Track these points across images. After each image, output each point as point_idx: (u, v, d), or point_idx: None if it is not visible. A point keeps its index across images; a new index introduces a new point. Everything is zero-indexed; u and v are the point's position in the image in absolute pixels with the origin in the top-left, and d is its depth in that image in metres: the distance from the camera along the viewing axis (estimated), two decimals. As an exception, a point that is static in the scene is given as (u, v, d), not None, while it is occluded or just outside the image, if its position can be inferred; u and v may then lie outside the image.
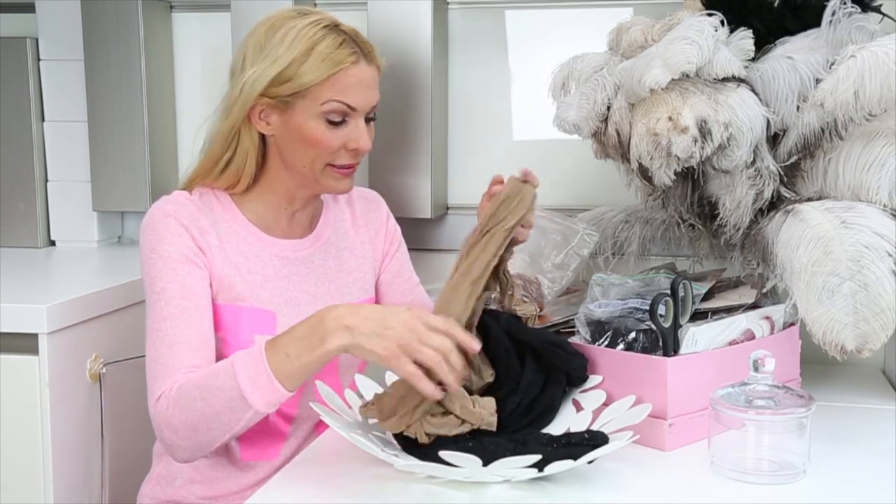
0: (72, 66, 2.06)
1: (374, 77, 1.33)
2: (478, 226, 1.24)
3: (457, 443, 1.14)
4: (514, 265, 1.51)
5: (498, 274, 1.26)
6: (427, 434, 1.14)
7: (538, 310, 1.45)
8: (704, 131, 1.31)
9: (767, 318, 1.35)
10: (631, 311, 1.33)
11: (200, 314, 1.28)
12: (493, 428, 1.17)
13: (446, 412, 1.15)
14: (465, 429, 1.15)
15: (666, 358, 1.22)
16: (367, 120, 1.34)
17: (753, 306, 1.38)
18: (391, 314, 1.13)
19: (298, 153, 1.32)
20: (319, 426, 1.40)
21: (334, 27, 1.30)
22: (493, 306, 1.39)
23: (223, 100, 1.34)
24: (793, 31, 1.42)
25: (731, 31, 1.38)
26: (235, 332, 1.32)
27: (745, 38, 1.38)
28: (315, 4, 1.96)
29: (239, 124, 1.32)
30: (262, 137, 1.34)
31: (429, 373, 1.10)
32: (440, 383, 1.11)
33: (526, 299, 1.47)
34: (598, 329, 1.32)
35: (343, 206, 1.50)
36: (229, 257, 1.33)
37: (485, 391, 1.25)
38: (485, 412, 1.16)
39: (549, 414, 1.25)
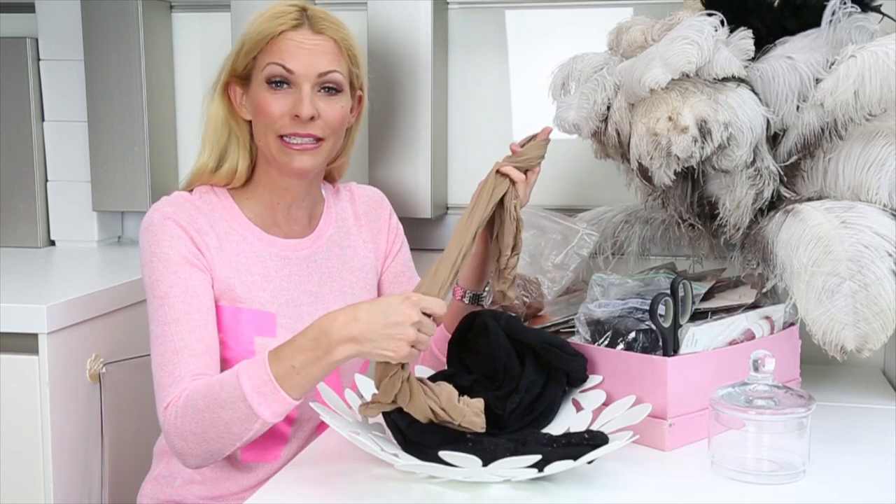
0: (72, 66, 2.06)
1: (319, 45, 1.32)
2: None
3: (456, 443, 1.14)
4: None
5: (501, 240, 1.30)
6: (433, 413, 1.14)
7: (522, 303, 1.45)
8: (704, 131, 1.31)
9: (767, 317, 1.35)
10: (631, 310, 1.33)
11: (204, 318, 1.28)
12: (476, 429, 1.15)
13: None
14: (449, 423, 1.14)
15: (666, 358, 1.22)
16: (327, 96, 1.32)
17: (753, 306, 1.37)
18: (391, 309, 1.13)
19: (258, 129, 1.34)
20: (320, 428, 1.40)
21: (296, 5, 1.33)
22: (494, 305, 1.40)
23: None
24: (793, 31, 1.42)
25: (731, 30, 1.38)
26: (235, 333, 1.32)
27: (744, 38, 1.38)
28: (314, 3, 1.96)
29: (225, 112, 1.35)
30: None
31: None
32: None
33: (526, 299, 1.47)
34: (598, 329, 1.32)
35: (345, 204, 1.49)
36: (229, 259, 1.33)
37: (486, 392, 1.25)
38: (468, 410, 1.14)
39: (550, 414, 1.25)
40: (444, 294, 1.16)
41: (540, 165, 1.32)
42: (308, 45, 1.31)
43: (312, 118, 1.30)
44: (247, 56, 1.33)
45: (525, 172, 1.30)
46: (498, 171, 1.29)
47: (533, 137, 1.33)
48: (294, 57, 1.30)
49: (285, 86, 1.31)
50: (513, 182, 1.29)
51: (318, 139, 1.32)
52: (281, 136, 1.31)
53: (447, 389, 1.15)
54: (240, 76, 1.34)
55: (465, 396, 1.16)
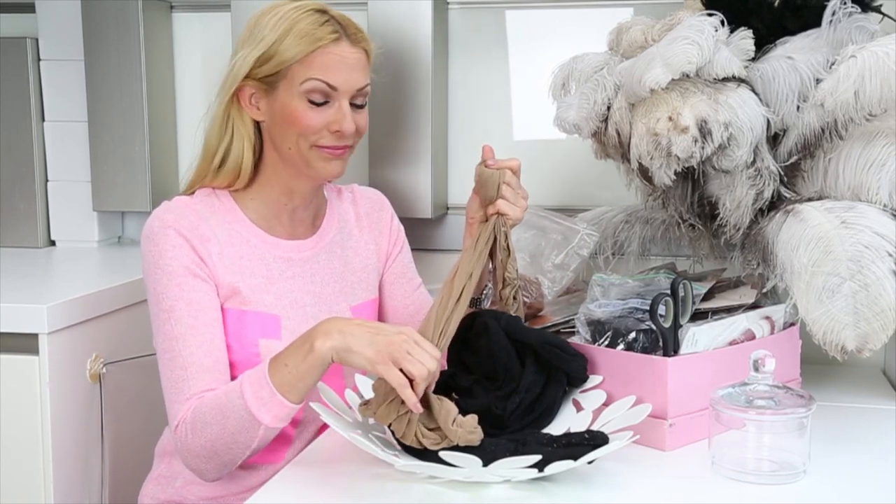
0: (72, 66, 2.06)
1: (358, 59, 1.32)
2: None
3: (457, 443, 1.14)
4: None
5: (497, 274, 1.29)
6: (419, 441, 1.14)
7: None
8: (704, 131, 1.31)
9: (768, 318, 1.35)
10: (631, 311, 1.33)
11: (211, 331, 1.28)
12: (474, 444, 1.14)
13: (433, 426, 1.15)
14: (446, 444, 1.13)
15: (666, 358, 1.22)
16: (358, 106, 1.33)
17: (754, 306, 1.37)
18: (384, 326, 1.17)
19: (285, 135, 1.32)
20: (323, 430, 1.40)
21: (320, 10, 1.31)
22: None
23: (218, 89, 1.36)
24: (793, 31, 1.42)
25: (732, 31, 1.38)
26: (240, 336, 1.32)
27: (745, 38, 1.38)
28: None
29: (231, 110, 1.33)
30: (259, 131, 1.35)
31: (411, 384, 1.12)
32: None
33: (526, 299, 1.47)
34: (599, 329, 1.32)
35: (347, 205, 1.49)
36: (232, 262, 1.33)
37: (487, 392, 1.25)
38: (462, 431, 1.13)
39: (550, 414, 1.25)
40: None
41: (508, 176, 1.31)
42: (349, 60, 1.30)
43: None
44: (276, 67, 1.29)
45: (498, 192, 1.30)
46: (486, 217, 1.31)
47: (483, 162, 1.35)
48: (338, 72, 1.29)
49: (325, 101, 1.30)
50: (498, 213, 1.30)
51: (348, 146, 1.34)
52: (316, 145, 1.31)
53: (446, 408, 1.14)
54: (260, 80, 1.31)
55: (459, 416, 1.14)
